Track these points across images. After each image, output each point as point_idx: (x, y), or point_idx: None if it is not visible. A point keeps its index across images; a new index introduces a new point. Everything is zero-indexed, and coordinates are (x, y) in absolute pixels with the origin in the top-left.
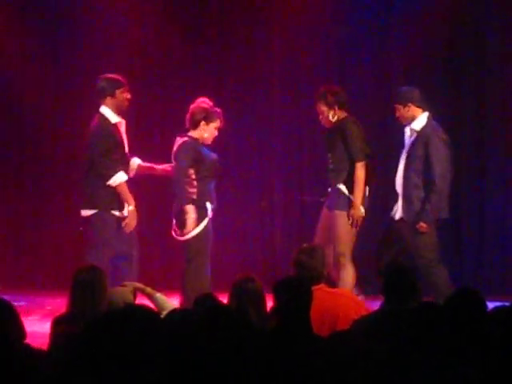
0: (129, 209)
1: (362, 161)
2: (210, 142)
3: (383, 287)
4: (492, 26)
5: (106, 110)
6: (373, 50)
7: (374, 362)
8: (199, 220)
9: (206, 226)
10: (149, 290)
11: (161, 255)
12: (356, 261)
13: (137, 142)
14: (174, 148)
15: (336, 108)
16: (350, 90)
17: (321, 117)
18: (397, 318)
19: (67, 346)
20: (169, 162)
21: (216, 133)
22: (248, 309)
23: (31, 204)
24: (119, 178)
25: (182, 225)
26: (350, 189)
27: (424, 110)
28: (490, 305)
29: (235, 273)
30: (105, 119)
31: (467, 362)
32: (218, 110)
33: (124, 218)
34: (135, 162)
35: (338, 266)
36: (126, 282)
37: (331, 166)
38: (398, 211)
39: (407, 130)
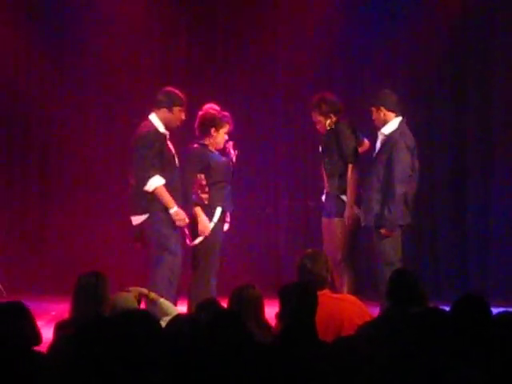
0: (170, 212)
1: (353, 162)
2: (221, 146)
3: (387, 292)
4: (497, 27)
5: (155, 119)
6: (377, 55)
7: (379, 367)
8: None
9: (213, 231)
10: (153, 295)
11: None
12: (356, 265)
13: None
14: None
15: (332, 116)
16: (353, 97)
17: (318, 126)
18: (401, 323)
19: (68, 348)
20: None
21: (226, 137)
22: (246, 316)
23: (37, 210)
24: (155, 183)
25: (193, 231)
26: (344, 190)
27: (397, 115)
28: (495, 310)
29: (240, 278)
30: (153, 126)
31: (471, 364)
32: (226, 113)
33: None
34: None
35: (338, 271)
36: (130, 288)
37: (328, 171)
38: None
39: (379, 134)
